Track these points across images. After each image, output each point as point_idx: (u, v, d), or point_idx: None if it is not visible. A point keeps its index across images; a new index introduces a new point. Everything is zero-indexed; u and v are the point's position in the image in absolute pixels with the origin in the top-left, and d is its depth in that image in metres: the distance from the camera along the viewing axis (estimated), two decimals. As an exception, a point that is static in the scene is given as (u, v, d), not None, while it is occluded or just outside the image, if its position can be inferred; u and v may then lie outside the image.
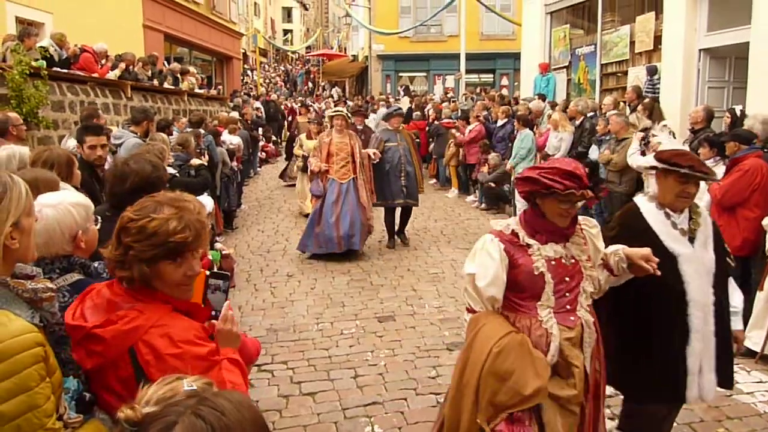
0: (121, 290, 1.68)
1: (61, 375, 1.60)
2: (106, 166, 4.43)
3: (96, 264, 2.10)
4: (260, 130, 15.89)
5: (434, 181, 13.02)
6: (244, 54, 32.56)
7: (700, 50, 7.86)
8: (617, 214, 3.05)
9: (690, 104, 7.84)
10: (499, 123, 10.79)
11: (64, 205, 1.98)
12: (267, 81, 35.60)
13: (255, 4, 42.61)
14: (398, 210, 7.91)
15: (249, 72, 34.88)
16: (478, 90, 18.65)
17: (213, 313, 1.94)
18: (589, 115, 8.38)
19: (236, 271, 6.48)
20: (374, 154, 7.42)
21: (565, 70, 11.45)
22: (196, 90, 14.54)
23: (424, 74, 24.86)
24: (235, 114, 13.02)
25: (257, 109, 17.42)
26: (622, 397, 3.04)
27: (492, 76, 23.92)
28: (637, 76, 9.17)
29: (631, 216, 2.84)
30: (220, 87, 20.08)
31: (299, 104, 16.93)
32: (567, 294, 2.43)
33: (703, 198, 5.24)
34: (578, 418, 2.44)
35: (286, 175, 12.38)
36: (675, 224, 2.71)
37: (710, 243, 2.78)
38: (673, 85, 8.09)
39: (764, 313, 4.49)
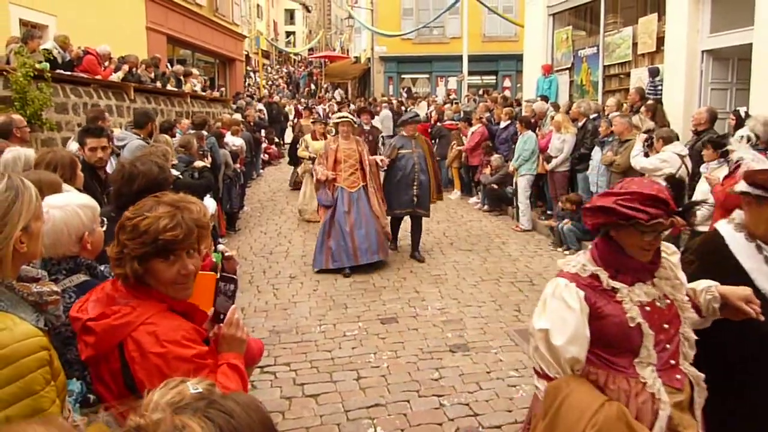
0: (121, 287, 1.71)
1: (66, 378, 1.61)
2: (108, 168, 4.44)
3: (102, 267, 2.11)
4: (263, 131, 15.92)
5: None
6: (247, 56, 32.64)
7: (702, 51, 7.85)
8: (696, 244, 2.58)
9: (693, 106, 7.82)
10: (502, 125, 10.79)
11: (72, 206, 2.00)
12: (269, 83, 35.65)
13: (258, 6, 42.71)
14: (407, 224, 7.53)
15: (251, 74, 34.93)
16: (480, 92, 18.65)
17: (222, 316, 1.94)
18: (591, 116, 8.37)
19: (239, 273, 6.45)
20: (382, 161, 7.08)
21: (567, 71, 11.43)
22: (199, 92, 14.57)
23: (427, 76, 24.88)
24: (237, 116, 13.05)
25: (260, 111, 17.46)
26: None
27: (494, 77, 23.92)
28: (639, 77, 9.15)
29: (713, 248, 2.37)
30: (223, 89, 20.13)
31: (303, 107, 16.65)
32: (668, 346, 1.98)
33: (708, 199, 5.24)
34: None
35: (295, 181, 11.98)
36: None
37: None
38: (676, 86, 8.08)
39: None
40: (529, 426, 2.17)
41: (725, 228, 2.34)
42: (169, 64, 15.53)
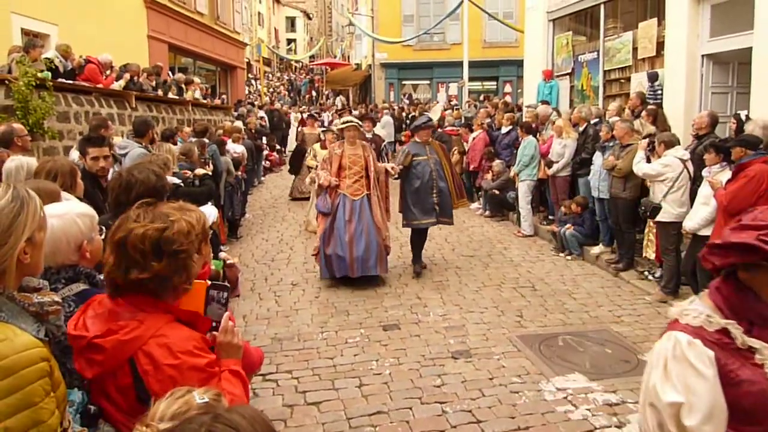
0: (123, 300, 1.68)
1: (66, 388, 1.60)
2: (111, 176, 4.45)
3: (102, 276, 2.10)
4: (264, 139, 15.96)
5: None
6: (248, 63, 32.75)
7: (702, 56, 7.84)
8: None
9: (693, 110, 7.81)
10: (504, 130, 10.80)
11: (70, 215, 1.99)
12: (271, 90, 35.75)
13: (259, 14, 42.90)
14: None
15: (253, 81, 35.04)
16: (481, 97, 18.68)
17: (213, 324, 1.93)
18: (592, 121, 8.37)
19: (240, 281, 6.48)
20: (393, 168, 6.75)
21: (568, 76, 11.43)
22: (200, 100, 14.61)
23: (428, 82, 24.95)
24: (239, 123, 13.08)
25: (261, 118, 17.50)
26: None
27: (495, 83, 23.97)
28: (640, 82, 9.14)
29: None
30: (224, 96, 20.19)
31: (306, 114, 16.18)
32: None
33: (710, 204, 5.24)
34: None
35: (296, 190, 11.85)
36: None
37: None
38: (677, 90, 8.07)
39: None
40: None
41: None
42: (170, 72, 15.57)
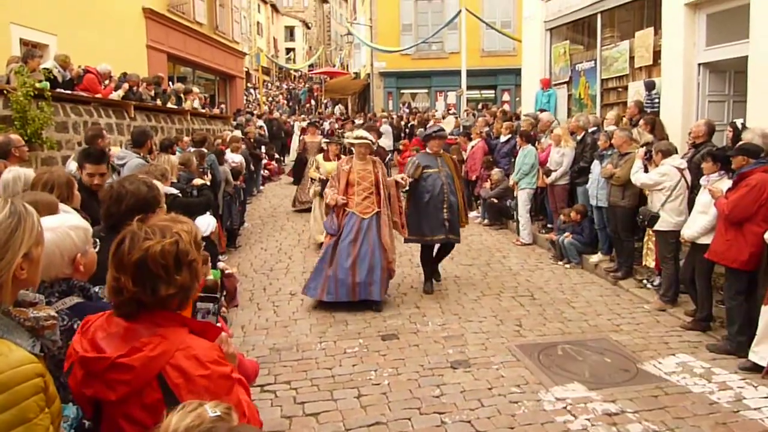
0: (141, 318, 1.66)
1: (60, 403, 1.59)
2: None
3: (96, 288, 2.10)
4: (263, 148, 15.97)
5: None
6: (247, 72, 32.85)
7: (699, 64, 7.88)
8: None
9: (691, 118, 7.84)
10: (503, 139, 10.82)
11: (63, 228, 1.99)
12: (270, 99, 35.84)
13: (258, 23, 43.12)
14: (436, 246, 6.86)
15: (252, 90, 35.15)
16: (479, 106, 18.73)
17: None
18: (590, 130, 8.40)
19: (239, 290, 6.46)
20: (403, 179, 6.37)
21: (565, 85, 11.48)
22: (199, 109, 14.64)
23: (426, 91, 25.01)
24: (238, 133, 13.10)
25: (260, 127, 17.53)
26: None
27: (493, 91, 24.03)
28: (637, 90, 9.18)
29: None
30: (223, 106, 20.23)
31: (307, 123, 15.94)
32: None
33: (709, 212, 5.24)
34: None
35: (297, 200, 11.68)
36: None
37: None
38: (674, 99, 8.10)
39: (770, 328, 4.44)
40: None
41: None
42: (170, 82, 15.61)
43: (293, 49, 55.80)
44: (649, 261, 6.61)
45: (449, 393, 4.32)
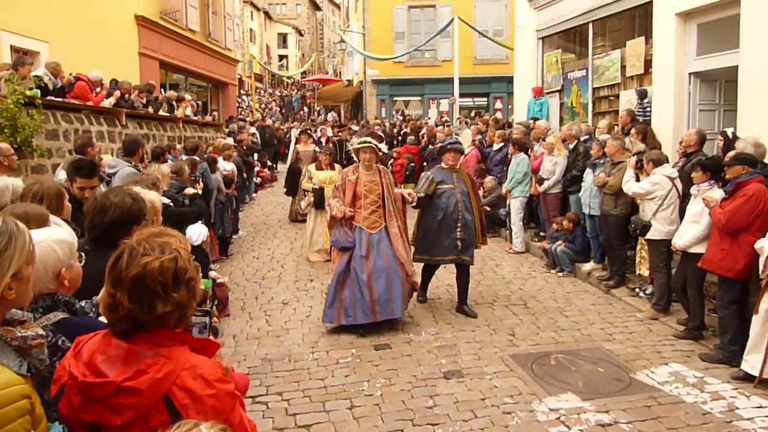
0: (138, 338, 1.62)
1: (47, 423, 1.56)
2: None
3: (83, 303, 2.06)
4: (255, 155, 15.93)
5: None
6: (240, 79, 32.83)
7: (690, 74, 7.94)
8: None
9: (682, 127, 7.89)
10: (495, 147, 10.84)
11: (48, 242, 1.95)
12: (262, 106, 35.82)
13: (251, 30, 43.15)
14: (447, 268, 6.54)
15: (244, 97, 35.12)
16: (472, 114, 18.79)
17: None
18: (582, 138, 8.43)
19: (231, 299, 6.42)
20: (410, 195, 5.94)
21: (558, 93, 11.54)
22: (191, 117, 14.58)
23: (419, 98, 25.09)
24: (230, 140, 13.05)
25: (252, 134, 17.49)
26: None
27: (486, 99, 24.16)
28: (629, 99, 9.24)
29: None
30: (216, 113, 20.17)
31: (299, 130, 15.23)
32: None
33: (701, 222, 5.25)
34: None
35: (295, 213, 11.26)
36: None
37: None
38: (665, 108, 8.15)
39: (761, 337, 4.46)
40: None
41: None
42: (162, 89, 15.56)
43: (286, 56, 55.88)
44: (643, 270, 6.62)
45: (442, 404, 4.29)
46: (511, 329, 5.82)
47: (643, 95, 8.59)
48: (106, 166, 6.10)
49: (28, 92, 7.43)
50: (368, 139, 6.17)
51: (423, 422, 4.04)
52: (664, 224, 5.91)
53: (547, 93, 11.76)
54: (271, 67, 45.21)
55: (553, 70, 11.56)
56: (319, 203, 8.48)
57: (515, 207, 9.07)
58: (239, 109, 28.51)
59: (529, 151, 9.45)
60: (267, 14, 50.70)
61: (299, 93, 41.69)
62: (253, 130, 18.59)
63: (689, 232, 5.41)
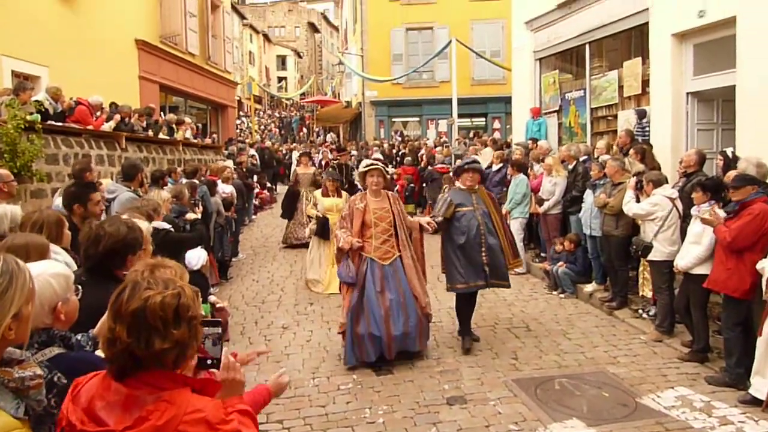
0: (136, 381, 1.56)
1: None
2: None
3: (79, 336, 2.03)
4: (255, 177, 15.95)
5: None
6: (239, 101, 33.03)
7: (687, 93, 7.98)
8: None
9: (680, 147, 7.90)
10: (494, 167, 10.84)
11: (44, 276, 1.91)
12: (261, 127, 35.99)
13: (250, 53, 43.54)
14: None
15: (244, 118, 35.30)
16: (471, 134, 18.87)
17: (209, 361, 1.84)
18: (582, 159, 8.44)
19: (230, 324, 6.37)
20: (429, 224, 5.58)
21: (555, 114, 11.60)
22: (191, 139, 14.62)
23: (417, 119, 25.22)
24: (229, 162, 13.06)
25: (252, 156, 17.54)
26: None
27: (484, 119, 24.28)
28: (627, 119, 9.28)
29: None
30: (215, 135, 20.25)
31: (299, 153, 14.90)
32: None
33: (702, 242, 5.22)
34: None
35: (292, 236, 10.97)
36: None
37: None
38: (663, 128, 8.18)
39: (766, 359, 4.40)
40: None
41: None
42: (162, 112, 15.63)
43: (285, 78, 56.31)
44: (646, 291, 6.58)
45: (445, 431, 4.22)
46: (514, 353, 5.75)
47: (642, 115, 8.63)
48: (105, 191, 6.09)
49: (28, 117, 7.46)
50: (373, 161, 5.84)
51: (426, 451, 3.97)
52: (665, 245, 5.89)
53: (546, 113, 11.82)
54: (270, 89, 45.53)
55: (551, 91, 11.63)
56: (321, 232, 8.21)
57: (515, 228, 9.02)
58: (238, 131, 28.64)
59: (529, 170, 9.46)
60: (266, 37, 51.21)
61: (298, 114, 41.92)
62: (252, 151, 18.66)
63: (691, 253, 5.38)
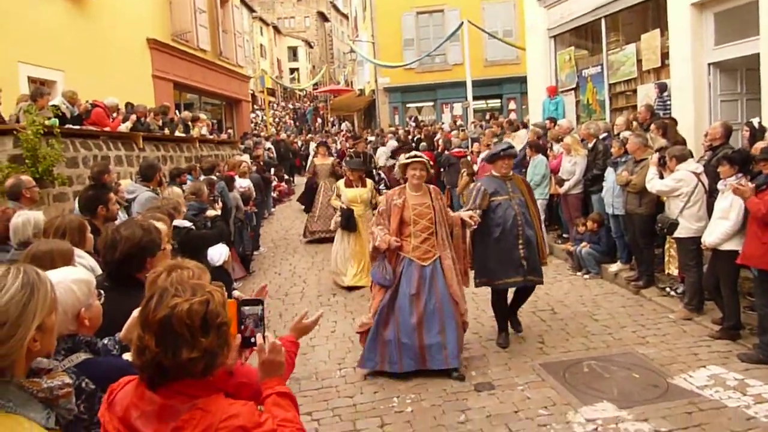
0: (169, 391, 1.56)
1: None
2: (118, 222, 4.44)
3: (105, 340, 2.03)
4: (272, 170, 15.99)
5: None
6: (253, 95, 33.09)
7: (709, 64, 7.78)
8: None
9: (703, 120, 7.72)
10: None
11: (66, 283, 1.92)
12: (276, 120, 36.05)
13: (261, 46, 43.51)
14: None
15: (258, 112, 35.39)
16: (486, 116, 18.67)
17: (252, 340, 1.83)
18: (601, 136, 8.28)
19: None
20: (471, 217, 5.06)
21: (573, 92, 11.41)
22: (207, 136, 14.69)
23: (432, 103, 25.01)
24: (246, 157, 13.10)
25: (268, 149, 17.57)
26: None
27: (499, 100, 24.00)
28: (646, 93, 9.08)
29: None
30: (231, 130, 20.33)
31: (316, 143, 14.60)
32: None
33: (730, 217, 5.09)
34: None
35: (308, 231, 10.84)
36: None
37: None
38: (685, 101, 7.99)
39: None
40: None
41: None
42: (177, 110, 15.71)
43: (297, 69, 56.26)
44: (672, 269, 6.46)
45: (474, 418, 4.20)
46: (540, 336, 5.70)
47: (663, 88, 8.44)
48: (125, 191, 6.14)
49: (47, 122, 7.54)
50: (417, 153, 5.34)
51: (456, 439, 3.95)
52: (691, 221, 5.75)
53: (562, 91, 11.63)
54: (282, 81, 45.52)
55: (567, 68, 11.43)
56: (346, 225, 7.90)
57: (536, 210, 8.92)
58: (253, 125, 28.71)
59: (548, 151, 9.32)
60: (276, 29, 51.13)
61: (312, 105, 41.92)
62: (268, 145, 18.70)
63: (718, 229, 5.24)
